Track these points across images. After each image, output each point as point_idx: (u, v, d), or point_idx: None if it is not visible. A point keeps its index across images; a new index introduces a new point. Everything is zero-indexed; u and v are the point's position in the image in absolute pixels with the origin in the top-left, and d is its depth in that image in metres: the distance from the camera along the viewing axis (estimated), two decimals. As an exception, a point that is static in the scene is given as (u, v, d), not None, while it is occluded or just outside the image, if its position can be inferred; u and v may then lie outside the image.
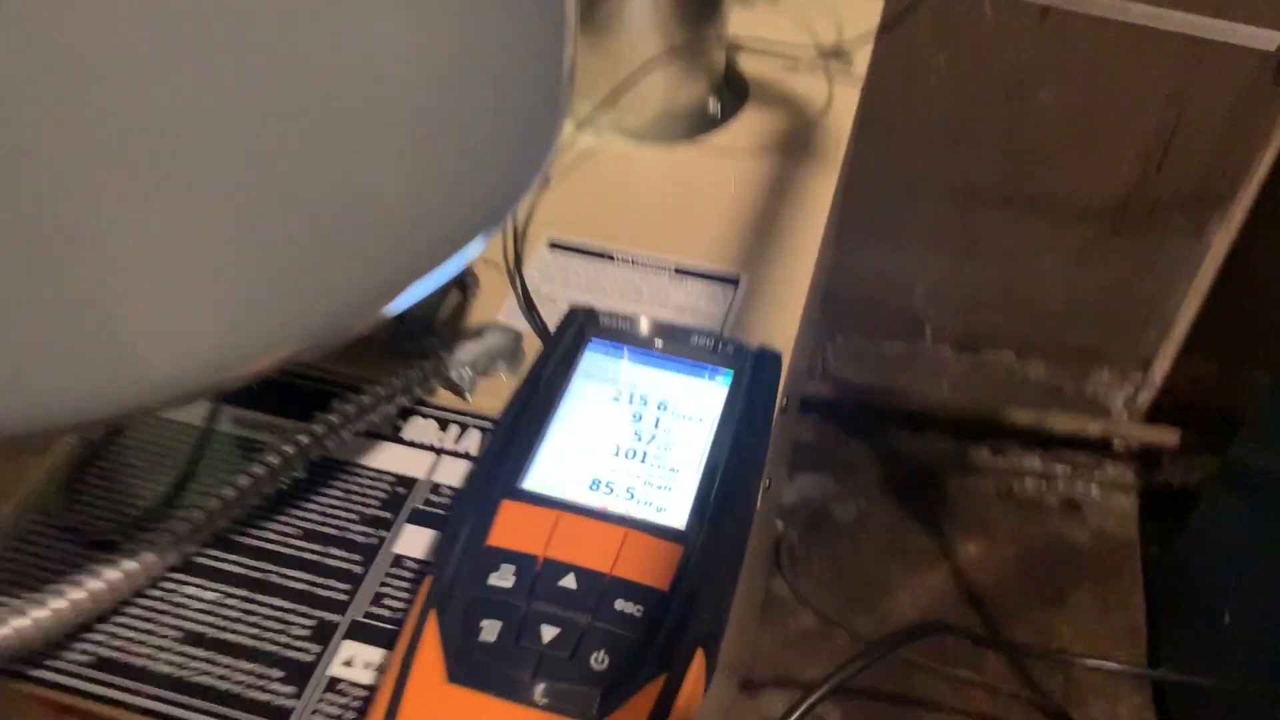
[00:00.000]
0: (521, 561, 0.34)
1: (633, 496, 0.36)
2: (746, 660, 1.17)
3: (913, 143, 1.12)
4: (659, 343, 0.41)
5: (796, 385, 1.26)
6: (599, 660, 0.32)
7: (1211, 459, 1.29)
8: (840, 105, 0.65)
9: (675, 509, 0.36)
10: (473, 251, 0.36)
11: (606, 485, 0.37)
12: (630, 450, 0.38)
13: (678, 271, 0.53)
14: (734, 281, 0.53)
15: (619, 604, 0.33)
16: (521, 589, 0.33)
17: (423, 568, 0.40)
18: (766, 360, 0.41)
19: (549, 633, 0.32)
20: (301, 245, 0.27)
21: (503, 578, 0.33)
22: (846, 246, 1.20)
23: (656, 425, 0.39)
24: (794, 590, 1.20)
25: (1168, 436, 1.33)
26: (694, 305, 0.52)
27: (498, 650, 0.32)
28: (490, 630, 0.32)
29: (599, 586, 0.33)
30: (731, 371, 0.40)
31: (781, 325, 0.51)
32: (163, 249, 0.25)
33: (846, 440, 1.38)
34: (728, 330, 0.51)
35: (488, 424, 0.46)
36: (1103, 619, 1.24)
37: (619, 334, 0.42)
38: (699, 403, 0.40)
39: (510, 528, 0.35)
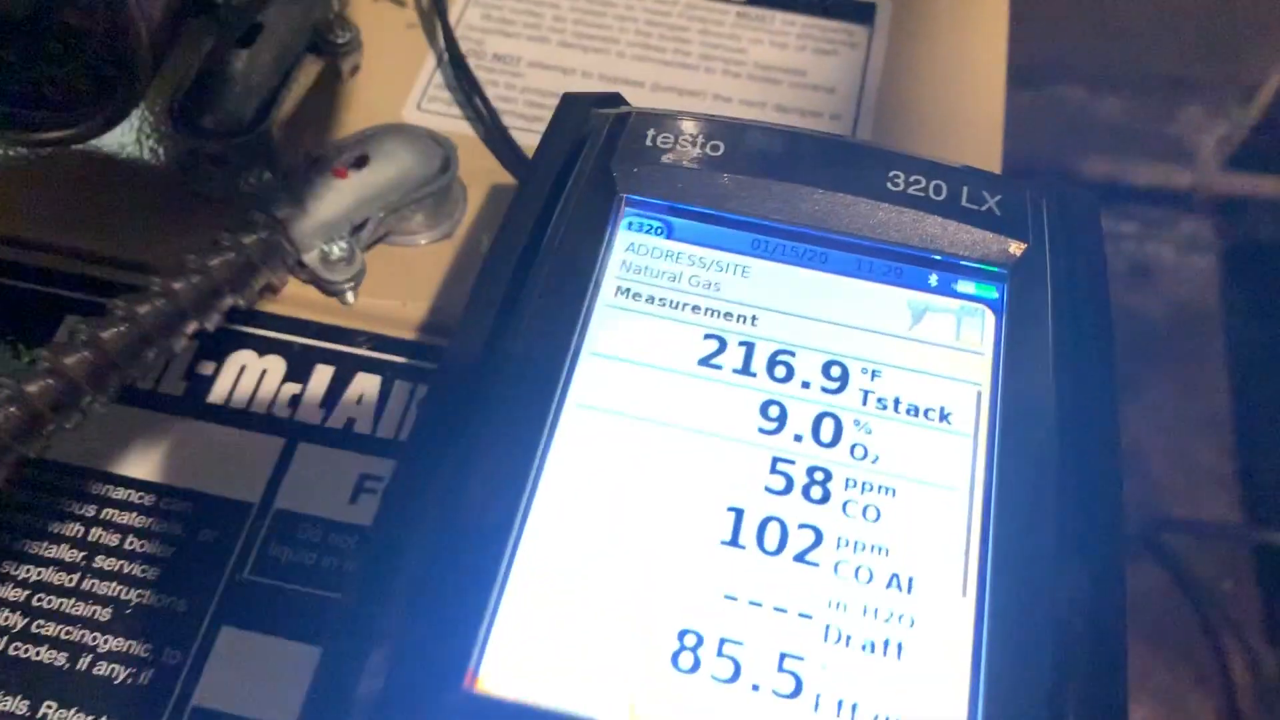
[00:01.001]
0: None
1: (801, 690, 0.13)
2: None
3: None
4: (806, 199, 0.16)
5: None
6: None
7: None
8: None
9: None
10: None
11: (722, 652, 0.13)
12: (775, 525, 0.14)
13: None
14: (867, 13, 0.27)
15: None
16: None
17: (258, 759, 0.17)
18: (1077, 216, 0.16)
19: None
20: None
21: None
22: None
23: (835, 439, 0.14)
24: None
25: (1262, 184, 1.10)
26: (792, 64, 0.26)
27: None
28: None
29: None
30: (1006, 270, 0.16)
31: (977, 99, 0.25)
32: None
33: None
34: (865, 118, 0.25)
35: (397, 358, 0.21)
36: (1182, 410, 1.05)
37: (697, 174, 0.16)
38: (937, 364, 0.15)
39: None
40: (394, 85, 0.26)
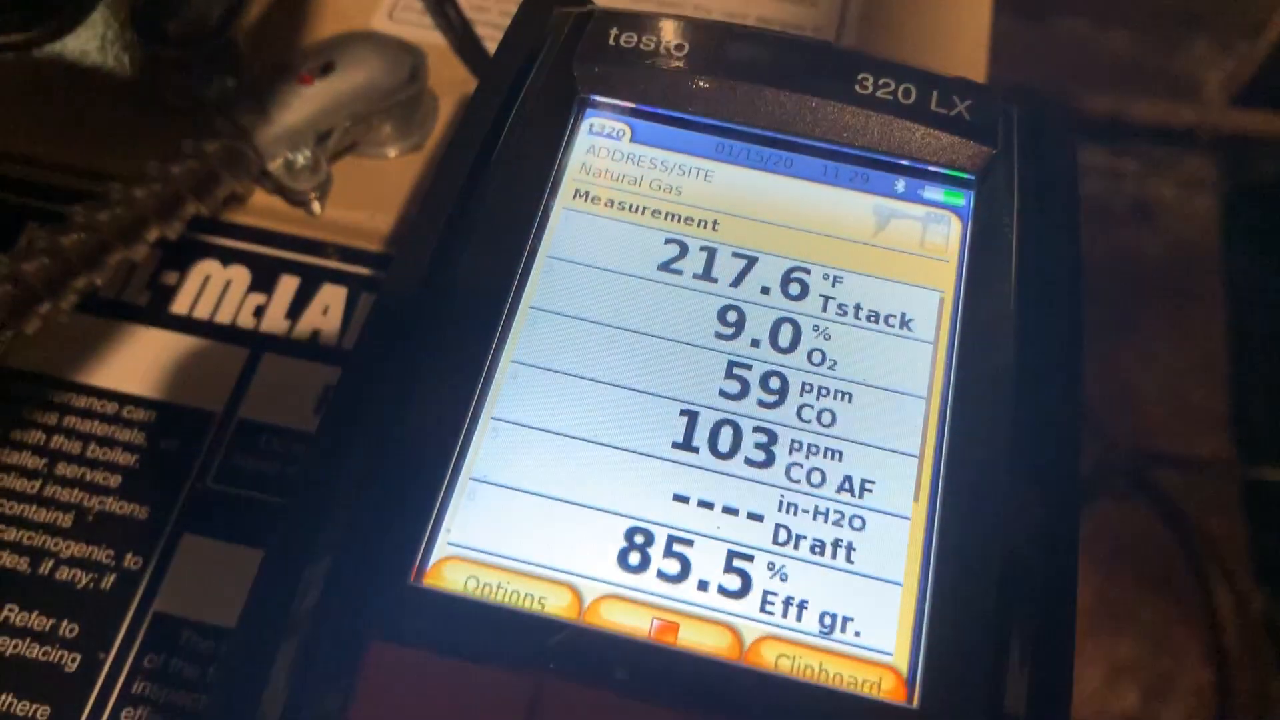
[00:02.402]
0: None
1: (748, 589, 0.13)
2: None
3: None
4: (773, 101, 0.16)
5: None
6: None
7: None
8: None
9: (875, 624, 0.12)
10: None
11: (671, 551, 0.13)
12: (728, 427, 0.14)
13: (739, -93, 0.26)
14: (854, -76, 0.26)
15: None
16: None
17: (208, 649, 0.17)
18: (1048, 128, 0.16)
19: None
20: None
21: None
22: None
23: (793, 343, 0.14)
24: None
25: (1268, 121, 1.08)
26: (778, -22, 0.25)
27: None
28: None
29: None
30: (973, 176, 0.15)
31: (963, 8, 0.25)
32: None
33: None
34: (850, 26, 0.25)
35: (363, 270, 0.21)
36: (1177, 350, 1.05)
37: (661, 75, 0.16)
38: (900, 270, 0.15)
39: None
40: (364, -7, 0.25)
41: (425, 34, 0.24)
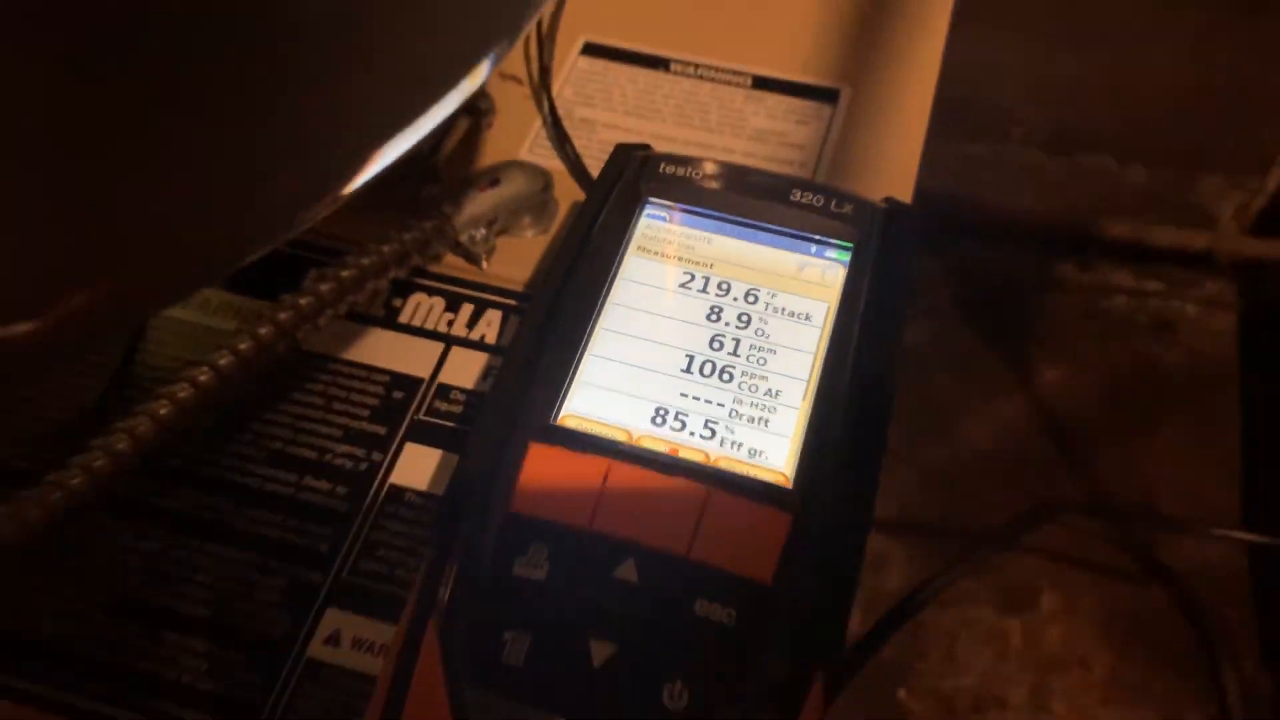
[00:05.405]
0: (558, 538, 0.23)
1: (715, 435, 0.25)
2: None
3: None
4: (747, 204, 0.29)
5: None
6: (674, 695, 0.22)
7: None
8: None
9: (777, 453, 0.25)
10: (480, 76, 0.24)
11: (677, 417, 0.26)
12: (710, 363, 0.27)
13: (756, 84, 0.41)
14: (832, 95, 0.40)
15: (701, 606, 0.23)
16: (559, 582, 0.23)
17: (427, 509, 0.30)
18: (899, 222, 0.29)
19: (601, 651, 0.22)
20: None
21: (532, 565, 0.23)
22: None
23: (747, 325, 0.27)
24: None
25: (1278, 248, 1.18)
26: (778, 130, 0.39)
27: (528, 679, 0.22)
28: (517, 648, 0.22)
29: (672, 578, 0.23)
30: (852, 245, 0.28)
31: (900, 157, 0.38)
32: None
33: (919, 254, 1.25)
34: (824, 165, 0.38)
35: (511, 301, 0.34)
36: (1195, 453, 1.14)
37: (688, 189, 0.29)
38: (807, 291, 0.28)
39: (542, 486, 0.24)
40: (515, 135, 0.39)
41: (552, 162, 0.38)
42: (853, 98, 0.40)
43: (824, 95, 0.40)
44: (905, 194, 0.38)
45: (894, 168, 0.38)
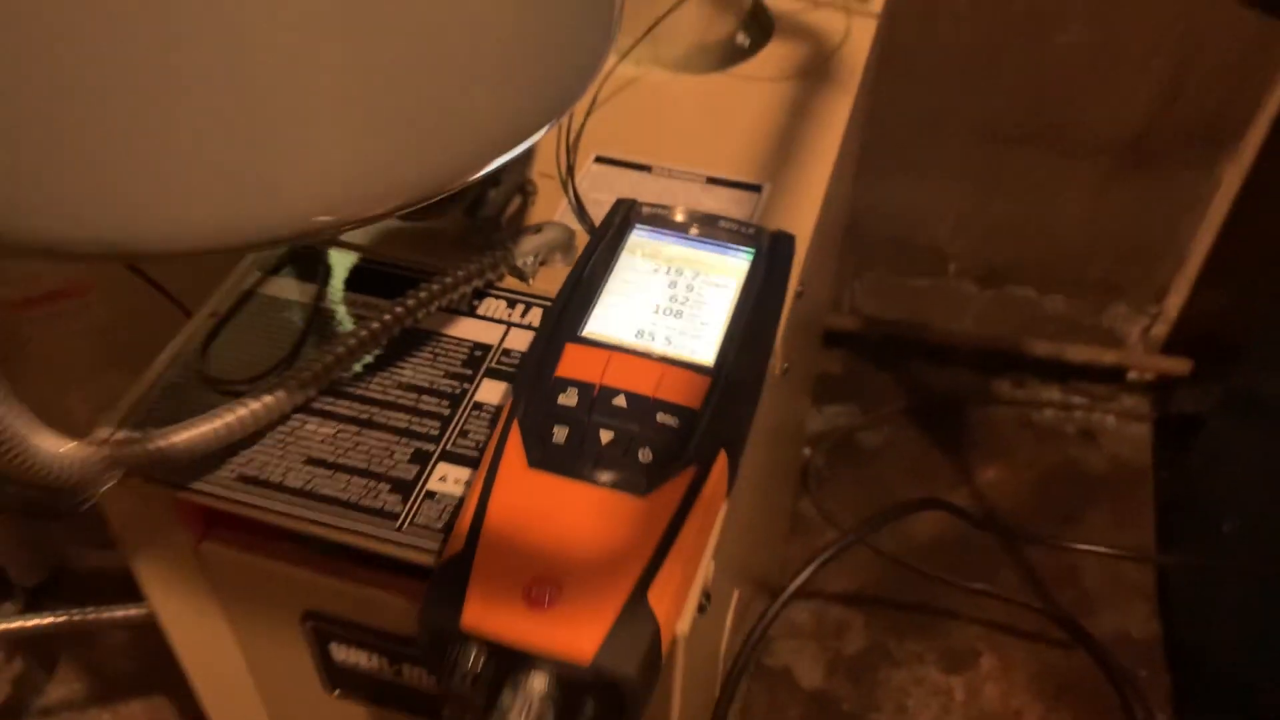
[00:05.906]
0: (583, 387, 0.43)
1: (670, 343, 0.45)
2: (775, 573, 1.26)
3: (934, 80, 1.19)
4: (693, 228, 0.50)
5: (824, 319, 1.34)
6: (644, 455, 0.40)
7: (1222, 388, 1.34)
8: (858, 37, 0.72)
9: (705, 351, 0.45)
10: (539, 134, 0.44)
11: (649, 334, 0.45)
12: (668, 308, 0.46)
13: (709, 180, 0.62)
14: (758, 189, 0.61)
15: (660, 416, 0.41)
16: (584, 406, 0.42)
17: (495, 412, 0.49)
18: (783, 240, 0.49)
19: (606, 436, 0.41)
20: (421, 120, 0.36)
21: (569, 398, 0.42)
22: (871, 183, 1.26)
23: (690, 290, 0.47)
24: (820, 510, 1.28)
25: (1180, 366, 1.39)
26: (723, 209, 0.60)
27: (567, 449, 0.41)
28: (560, 435, 0.41)
29: (644, 405, 0.42)
30: (753, 250, 0.49)
31: (799, 222, 0.59)
32: (314, 105, 0.34)
33: (873, 372, 1.45)
34: (759, 214, 0.59)
35: (548, 302, 0.54)
36: (1115, 537, 1.31)
37: (659, 220, 0.50)
38: (725, 273, 0.48)
39: (573, 363, 0.43)
40: (550, 209, 0.60)
41: (574, 222, 0.59)
42: (771, 190, 0.61)
43: (752, 188, 0.61)
44: (809, 217, 0.58)
45: (795, 231, 0.59)
